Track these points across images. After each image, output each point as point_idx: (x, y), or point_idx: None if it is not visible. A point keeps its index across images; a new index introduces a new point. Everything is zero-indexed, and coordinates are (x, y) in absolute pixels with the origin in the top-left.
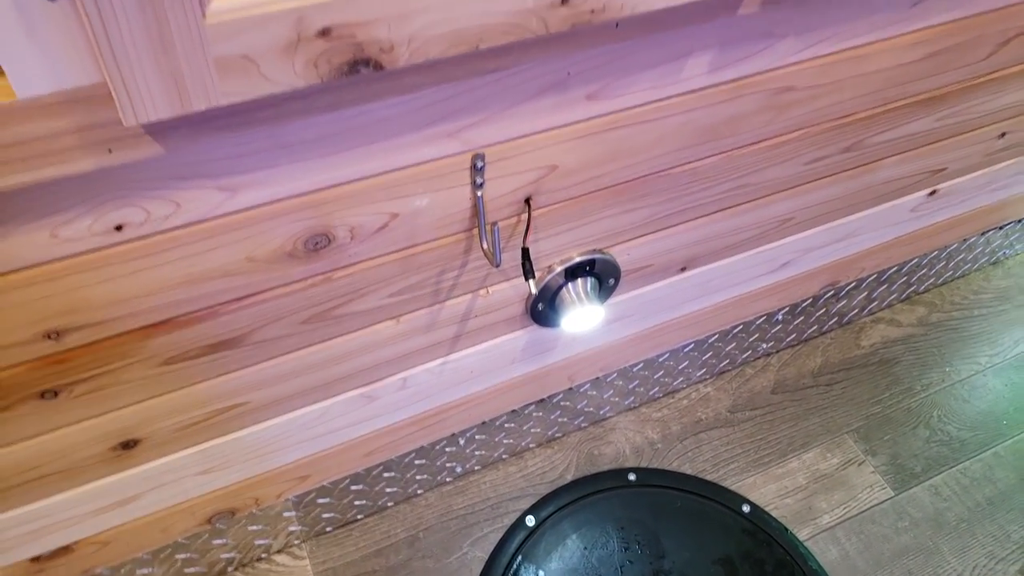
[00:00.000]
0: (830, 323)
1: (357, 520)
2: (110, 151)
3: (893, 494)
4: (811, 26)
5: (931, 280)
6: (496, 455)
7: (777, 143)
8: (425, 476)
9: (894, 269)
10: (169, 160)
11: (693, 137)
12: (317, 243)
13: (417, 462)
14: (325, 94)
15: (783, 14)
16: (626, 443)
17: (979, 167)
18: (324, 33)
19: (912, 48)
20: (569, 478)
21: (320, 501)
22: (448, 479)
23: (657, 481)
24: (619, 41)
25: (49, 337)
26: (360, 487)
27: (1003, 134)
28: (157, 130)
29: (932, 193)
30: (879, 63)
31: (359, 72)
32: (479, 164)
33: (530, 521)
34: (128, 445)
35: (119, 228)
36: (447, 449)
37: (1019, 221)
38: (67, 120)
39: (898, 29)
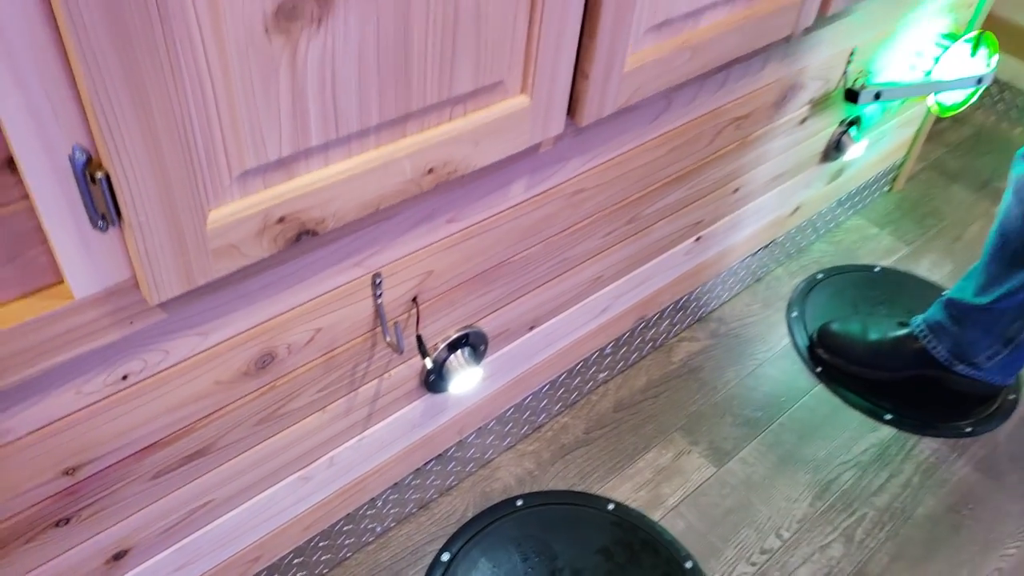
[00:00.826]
0: (647, 348)
1: None
2: (131, 323)
3: (715, 470)
4: (588, 148)
5: (714, 301)
6: (408, 510)
7: (579, 227)
8: (352, 539)
9: (685, 298)
10: (166, 321)
11: (521, 234)
12: (264, 361)
13: (345, 528)
14: (275, 256)
15: (568, 144)
16: (510, 476)
17: (726, 214)
18: (281, 220)
19: (657, 147)
20: (470, 515)
21: None
22: (371, 539)
23: (539, 501)
24: (465, 185)
25: (67, 473)
26: (300, 559)
27: (736, 189)
28: (166, 302)
29: (697, 239)
30: (638, 161)
31: (301, 240)
32: (378, 281)
33: (445, 557)
34: (119, 555)
35: (125, 377)
36: (368, 512)
37: (765, 247)
38: (105, 308)
39: (645, 137)
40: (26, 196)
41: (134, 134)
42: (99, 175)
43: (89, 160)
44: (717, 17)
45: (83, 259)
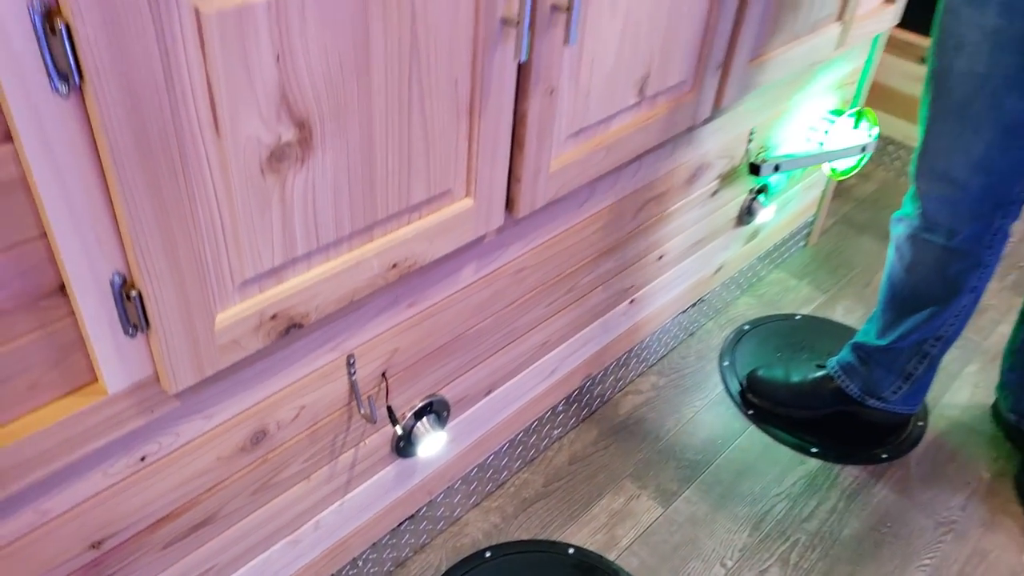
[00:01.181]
0: (595, 403)
1: None
2: (152, 411)
3: (663, 511)
4: (526, 234)
5: (654, 356)
6: (386, 568)
7: (524, 300)
8: None
9: (626, 355)
10: (179, 408)
11: (473, 311)
12: (258, 438)
13: None
14: (268, 347)
15: (508, 233)
16: (478, 531)
17: (654, 278)
18: (273, 317)
19: (586, 228)
20: (443, 569)
21: None
22: None
23: (506, 551)
24: (423, 274)
25: (93, 547)
26: None
27: (661, 256)
28: (180, 392)
29: (631, 302)
30: (570, 240)
31: (290, 332)
32: (352, 361)
33: None
34: None
35: (143, 459)
36: (350, 572)
37: (694, 305)
38: (131, 400)
39: (574, 220)
40: (72, 314)
41: (161, 260)
42: (133, 293)
43: (124, 282)
44: (625, 120)
45: (116, 361)
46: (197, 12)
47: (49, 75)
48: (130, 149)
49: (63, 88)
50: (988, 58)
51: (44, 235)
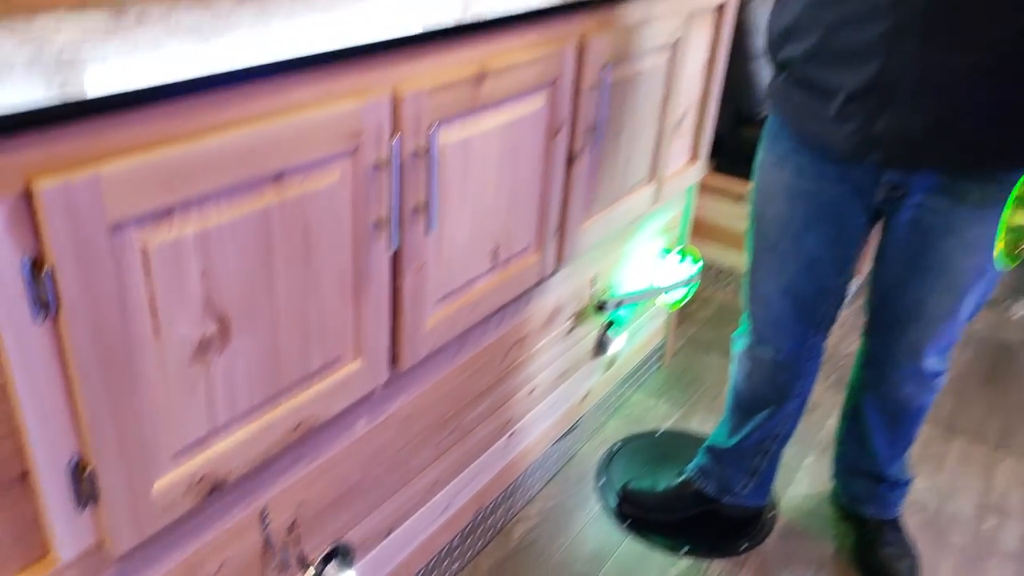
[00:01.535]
0: (489, 534)
1: None
2: (98, 573)
3: None
4: (410, 384)
5: (538, 483)
6: None
7: (414, 443)
8: None
9: (512, 485)
10: (118, 569)
11: (368, 459)
12: None
13: None
14: (195, 507)
15: (395, 385)
16: None
17: (529, 411)
18: (200, 479)
19: (462, 373)
20: None
21: None
22: None
23: None
24: (324, 430)
25: None
26: None
27: (532, 391)
28: (121, 555)
29: (511, 435)
30: (450, 385)
31: (213, 492)
32: (265, 515)
33: None
34: None
35: None
36: None
37: (568, 431)
38: (79, 567)
39: (452, 367)
40: (32, 496)
41: (112, 441)
42: (87, 472)
43: (78, 463)
44: (483, 282)
45: (68, 532)
46: (144, 248)
47: (31, 307)
48: (91, 358)
49: (41, 316)
50: (789, 207)
51: (14, 432)
